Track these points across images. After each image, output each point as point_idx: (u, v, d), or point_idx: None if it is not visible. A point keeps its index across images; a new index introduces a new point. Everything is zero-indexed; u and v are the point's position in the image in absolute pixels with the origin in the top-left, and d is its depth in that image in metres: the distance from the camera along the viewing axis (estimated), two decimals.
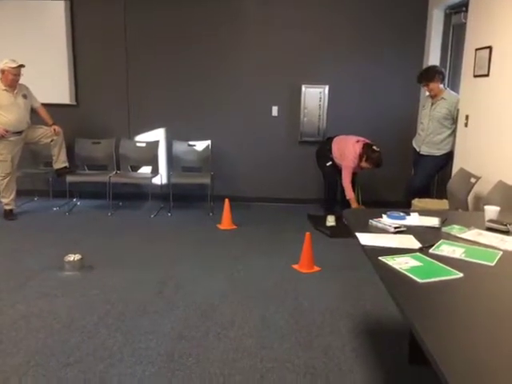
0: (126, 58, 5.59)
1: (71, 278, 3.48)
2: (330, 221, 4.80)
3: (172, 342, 2.61)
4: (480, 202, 3.58)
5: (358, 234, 2.15)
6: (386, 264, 1.80)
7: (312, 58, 5.47)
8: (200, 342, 2.61)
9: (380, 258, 1.86)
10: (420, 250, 1.95)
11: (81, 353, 2.48)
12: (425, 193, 4.51)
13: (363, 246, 2.02)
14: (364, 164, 4.63)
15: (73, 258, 3.60)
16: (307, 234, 3.69)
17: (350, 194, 4.70)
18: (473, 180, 3.53)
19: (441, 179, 4.80)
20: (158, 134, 5.75)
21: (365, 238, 2.10)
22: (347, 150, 4.70)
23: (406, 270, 1.74)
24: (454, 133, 4.32)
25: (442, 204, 4.06)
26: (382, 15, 5.34)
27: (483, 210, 2.37)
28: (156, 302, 3.10)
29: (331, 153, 4.89)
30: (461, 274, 1.69)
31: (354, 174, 4.89)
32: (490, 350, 1.20)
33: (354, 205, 4.70)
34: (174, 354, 2.49)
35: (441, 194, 4.68)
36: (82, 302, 3.08)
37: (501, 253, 1.92)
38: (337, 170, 4.86)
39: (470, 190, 3.49)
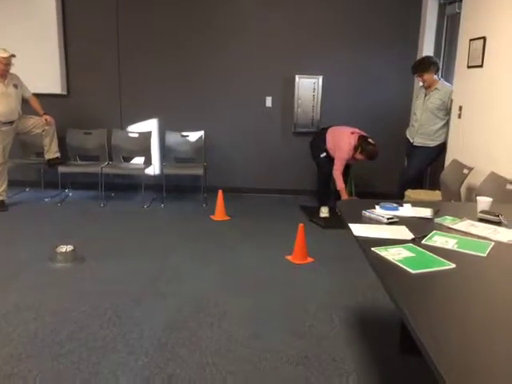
0: (117, 47, 5.53)
1: (63, 269, 3.46)
2: (324, 212, 4.80)
3: (165, 332, 2.61)
4: (472, 193, 3.59)
5: (350, 225, 2.15)
6: (379, 255, 1.80)
7: (306, 48, 5.44)
8: (193, 333, 2.61)
9: (373, 248, 1.86)
10: (413, 241, 1.96)
11: (73, 343, 2.47)
12: (418, 184, 4.52)
13: (356, 237, 2.02)
14: (358, 156, 4.63)
15: (65, 249, 3.58)
16: (300, 225, 3.68)
17: (340, 184, 4.70)
18: (465, 171, 3.54)
19: (433, 170, 4.81)
20: (150, 125, 5.71)
21: (358, 229, 2.10)
22: (342, 142, 4.69)
23: (398, 260, 1.74)
24: (447, 124, 4.32)
25: (435, 195, 4.07)
26: (376, 5, 5.31)
27: (476, 201, 2.38)
28: (149, 293, 3.09)
29: (325, 144, 4.87)
30: (453, 265, 1.69)
31: (348, 166, 4.89)
32: (482, 340, 1.21)
33: (344, 196, 4.70)
34: (167, 344, 2.49)
35: (433, 184, 4.69)
36: (74, 293, 3.06)
37: (493, 243, 1.93)
38: (331, 161, 4.84)
39: (463, 181, 3.51)
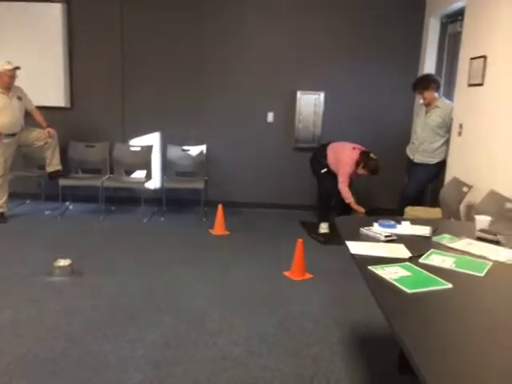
0: (121, 62, 5.58)
1: (60, 283, 3.44)
2: (324, 228, 4.78)
3: (159, 349, 2.58)
4: (472, 211, 3.57)
5: (348, 243, 2.14)
6: (375, 273, 1.79)
7: (308, 64, 5.47)
8: (188, 350, 2.58)
9: (369, 267, 1.84)
10: (410, 260, 1.94)
11: (67, 360, 2.44)
12: (418, 201, 4.49)
13: (353, 255, 2.00)
14: (361, 171, 4.63)
15: (62, 263, 3.56)
16: (299, 240, 3.66)
17: (348, 198, 4.67)
18: (465, 189, 3.53)
19: (434, 188, 4.79)
20: (152, 139, 5.73)
21: (355, 247, 2.09)
22: (344, 157, 4.68)
23: (395, 279, 1.73)
24: (447, 141, 4.32)
25: (435, 212, 4.05)
26: (378, 24, 5.36)
27: (474, 219, 2.36)
28: (145, 309, 3.07)
29: (326, 159, 4.87)
30: (450, 285, 1.67)
31: (350, 183, 4.87)
32: (479, 363, 1.18)
33: (355, 207, 4.66)
34: (162, 362, 2.45)
35: (434, 202, 4.66)
36: (70, 309, 3.04)
37: (491, 263, 1.91)
38: (332, 176, 4.83)
39: (462, 199, 3.49)
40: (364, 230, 2.31)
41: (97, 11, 5.48)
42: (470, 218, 3.53)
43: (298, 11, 5.40)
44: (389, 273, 1.80)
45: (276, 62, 5.50)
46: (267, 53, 5.49)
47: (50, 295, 3.22)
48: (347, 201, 4.69)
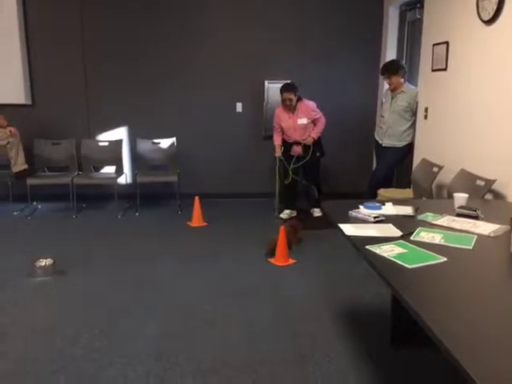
0: (83, 54, 5.44)
1: (44, 283, 3.38)
2: (284, 213, 4.97)
3: (159, 341, 2.61)
4: (442, 190, 3.77)
5: (341, 225, 2.23)
6: (374, 252, 1.89)
7: (274, 53, 5.53)
8: (187, 340, 2.62)
9: (367, 247, 1.95)
10: (401, 238, 2.06)
11: (67, 358, 2.44)
12: (388, 183, 4.69)
13: (348, 237, 2.10)
14: (283, 98, 4.85)
15: (44, 262, 3.50)
16: (282, 227, 3.75)
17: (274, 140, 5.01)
18: (435, 169, 3.72)
19: (400, 169, 5.00)
20: (120, 133, 5.64)
21: (348, 229, 2.19)
22: None
23: (393, 257, 1.84)
24: (413, 125, 4.51)
25: (406, 193, 4.24)
26: (341, 13, 5.48)
27: (446, 198, 2.51)
28: (136, 304, 3.07)
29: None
30: (444, 259, 1.80)
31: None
32: (495, 324, 1.31)
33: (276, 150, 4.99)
34: (163, 354, 2.49)
35: (400, 183, 4.88)
36: (60, 308, 3.01)
37: (476, 237, 2.06)
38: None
39: (434, 179, 3.68)
40: (353, 213, 2.41)
41: (55, 1, 5.29)
42: (441, 196, 3.74)
43: (264, 3, 5.43)
44: (386, 251, 1.91)
45: (242, 52, 5.52)
46: (234, 44, 5.49)
47: (35, 296, 3.17)
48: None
